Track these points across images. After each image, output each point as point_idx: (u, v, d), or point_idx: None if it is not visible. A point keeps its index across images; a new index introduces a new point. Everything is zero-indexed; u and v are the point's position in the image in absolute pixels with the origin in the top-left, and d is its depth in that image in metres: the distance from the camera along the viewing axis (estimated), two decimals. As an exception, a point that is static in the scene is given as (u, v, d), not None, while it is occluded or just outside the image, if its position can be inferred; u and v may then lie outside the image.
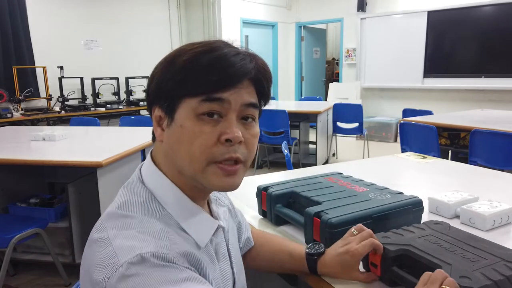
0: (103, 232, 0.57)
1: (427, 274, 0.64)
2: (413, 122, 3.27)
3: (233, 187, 0.62)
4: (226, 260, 0.71)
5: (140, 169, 0.66)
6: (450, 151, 3.33)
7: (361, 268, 0.81)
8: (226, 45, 0.61)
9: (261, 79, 0.63)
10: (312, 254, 0.81)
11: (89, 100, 5.61)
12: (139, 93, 6.11)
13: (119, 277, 0.50)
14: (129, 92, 5.93)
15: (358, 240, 0.77)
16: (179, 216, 0.61)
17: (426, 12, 6.29)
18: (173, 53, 0.62)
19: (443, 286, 0.60)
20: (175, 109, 0.59)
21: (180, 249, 0.56)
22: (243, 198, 1.28)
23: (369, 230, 0.79)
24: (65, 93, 5.19)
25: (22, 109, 4.86)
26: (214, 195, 0.75)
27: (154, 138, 0.65)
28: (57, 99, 5.17)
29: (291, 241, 0.94)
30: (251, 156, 0.64)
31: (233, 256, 0.74)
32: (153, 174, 0.64)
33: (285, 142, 2.67)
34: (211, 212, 0.72)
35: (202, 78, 0.57)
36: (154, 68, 0.63)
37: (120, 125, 4.04)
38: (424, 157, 1.95)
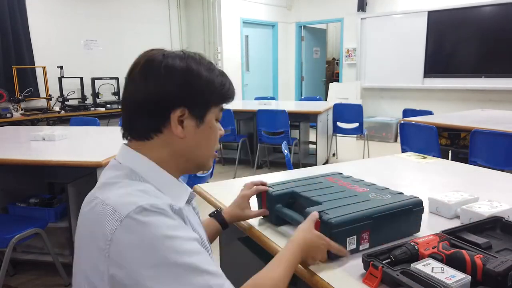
0: (94, 200, 0.66)
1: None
2: (413, 122, 3.27)
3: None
4: (202, 229, 0.85)
5: (115, 158, 0.77)
6: (450, 151, 3.33)
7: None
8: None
9: None
10: (214, 212, 1.10)
11: (89, 100, 5.60)
12: (139, 93, 6.10)
13: (125, 227, 0.57)
14: (129, 92, 5.92)
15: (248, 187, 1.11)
16: (158, 184, 0.72)
17: (426, 12, 6.29)
18: (203, 68, 0.75)
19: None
20: (206, 114, 0.77)
21: (167, 201, 0.66)
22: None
23: (259, 181, 1.13)
24: (65, 93, 5.19)
25: (22, 109, 4.86)
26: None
27: (144, 136, 0.76)
28: (57, 99, 5.17)
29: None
30: None
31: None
32: (128, 155, 0.75)
33: (285, 142, 2.67)
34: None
35: (228, 94, 0.80)
36: (169, 73, 0.72)
37: (120, 125, 4.04)
38: (424, 157, 1.95)
